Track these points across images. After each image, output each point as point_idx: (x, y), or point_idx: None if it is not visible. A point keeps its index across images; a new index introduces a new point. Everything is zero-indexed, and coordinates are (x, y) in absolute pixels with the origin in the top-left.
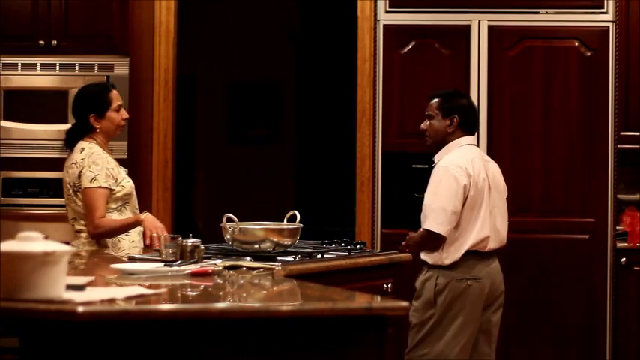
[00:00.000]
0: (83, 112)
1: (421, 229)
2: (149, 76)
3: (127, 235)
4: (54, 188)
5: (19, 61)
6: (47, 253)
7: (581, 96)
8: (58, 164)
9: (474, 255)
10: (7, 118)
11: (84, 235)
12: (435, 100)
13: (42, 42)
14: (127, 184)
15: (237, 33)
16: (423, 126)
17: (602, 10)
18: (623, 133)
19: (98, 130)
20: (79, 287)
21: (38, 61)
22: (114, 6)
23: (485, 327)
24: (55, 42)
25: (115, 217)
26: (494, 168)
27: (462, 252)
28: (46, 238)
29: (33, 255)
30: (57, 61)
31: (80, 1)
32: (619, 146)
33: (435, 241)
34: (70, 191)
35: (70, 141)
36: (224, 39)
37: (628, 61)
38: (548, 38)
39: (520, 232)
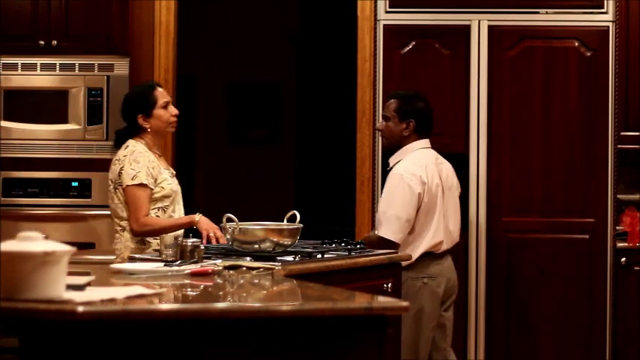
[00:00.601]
0: (131, 113)
1: (376, 232)
2: (149, 76)
3: (154, 238)
4: (54, 188)
5: (19, 61)
6: (47, 253)
7: (581, 96)
8: (58, 164)
9: (429, 255)
10: (7, 118)
11: (117, 235)
12: (393, 101)
13: (42, 42)
14: (167, 186)
15: (237, 33)
16: (379, 126)
17: (602, 10)
18: (623, 133)
19: (148, 130)
20: (79, 287)
21: (38, 61)
22: (114, 6)
23: (440, 322)
24: (55, 42)
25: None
26: (447, 168)
27: (417, 255)
28: (46, 238)
29: (33, 255)
30: (57, 61)
31: (80, 1)
32: (619, 146)
33: (389, 247)
34: (111, 187)
35: (119, 142)
36: (224, 39)
37: (628, 61)
38: (548, 38)
39: (520, 232)
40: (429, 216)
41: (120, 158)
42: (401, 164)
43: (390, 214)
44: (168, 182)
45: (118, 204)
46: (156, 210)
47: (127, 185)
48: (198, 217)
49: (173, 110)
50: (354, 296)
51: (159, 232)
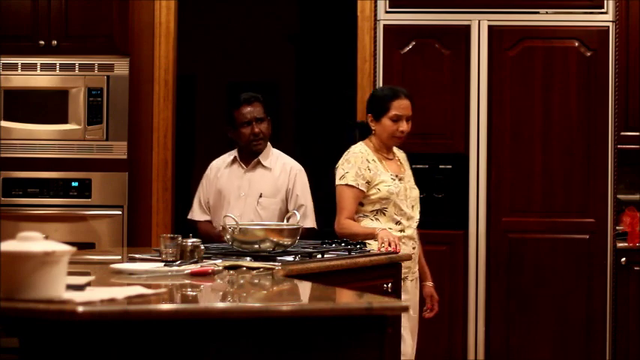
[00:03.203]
0: (367, 109)
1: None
2: (149, 76)
3: None
4: (54, 188)
5: (19, 61)
6: (47, 253)
7: (581, 96)
8: (58, 164)
9: None
10: (7, 118)
11: None
12: (259, 103)
13: (42, 42)
14: (384, 188)
15: (237, 33)
16: (264, 129)
17: (602, 10)
18: (623, 133)
19: (375, 132)
20: (79, 287)
21: (38, 61)
22: (114, 6)
23: None
24: (55, 42)
25: (368, 223)
26: None
27: None
28: (46, 238)
29: (33, 255)
30: (57, 61)
31: (80, 1)
32: (619, 146)
33: (309, 238)
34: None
35: (359, 136)
36: (224, 39)
37: (628, 61)
38: (548, 38)
39: (520, 232)
40: None
41: (341, 158)
42: (288, 161)
43: (310, 205)
44: (387, 184)
45: None
46: (375, 214)
47: (336, 184)
48: (378, 230)
49: (403, 126)
50: (354, 296)
51: (350, 236)
